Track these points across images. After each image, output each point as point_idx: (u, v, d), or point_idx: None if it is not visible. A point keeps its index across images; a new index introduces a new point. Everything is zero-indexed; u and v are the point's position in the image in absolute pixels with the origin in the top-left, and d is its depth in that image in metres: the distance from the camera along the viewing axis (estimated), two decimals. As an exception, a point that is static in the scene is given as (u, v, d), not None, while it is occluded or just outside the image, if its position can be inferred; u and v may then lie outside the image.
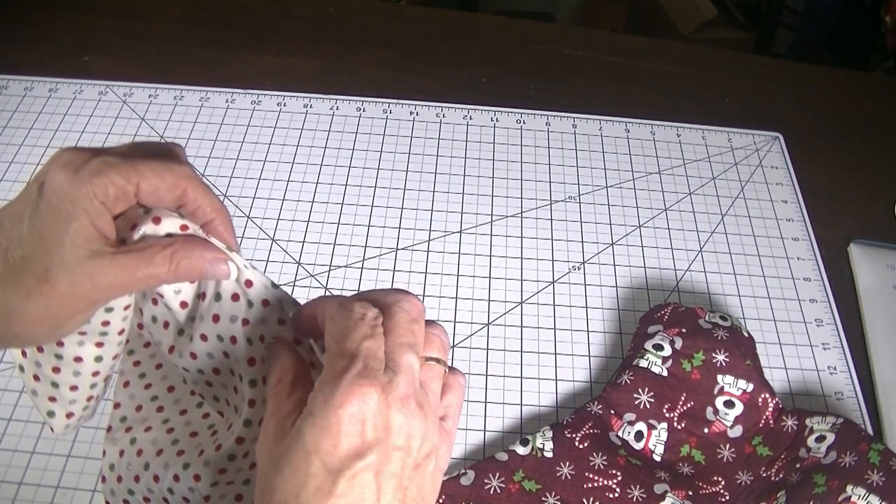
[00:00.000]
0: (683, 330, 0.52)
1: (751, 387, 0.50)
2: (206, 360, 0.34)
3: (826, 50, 1.70)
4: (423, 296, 0.58)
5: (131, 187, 0.30)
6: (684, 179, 0.69)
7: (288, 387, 0.31)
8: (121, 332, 0.34)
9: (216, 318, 0.33)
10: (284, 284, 0.58)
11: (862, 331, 0.59)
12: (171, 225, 0.32)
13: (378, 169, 0.67)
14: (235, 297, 0.33)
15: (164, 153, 0.32)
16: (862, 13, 1.62)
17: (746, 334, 0.53)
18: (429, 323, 0.33)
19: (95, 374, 0.35)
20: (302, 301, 0.34)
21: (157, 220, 0.31)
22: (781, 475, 0.47)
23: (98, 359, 0.34)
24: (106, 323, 0.33)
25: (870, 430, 0.53)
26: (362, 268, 0.60)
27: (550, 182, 0.68)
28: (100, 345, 0.34)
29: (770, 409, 0.50)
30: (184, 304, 0.33)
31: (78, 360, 0.34)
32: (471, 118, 0.73)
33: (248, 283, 0.33)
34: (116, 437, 0.38)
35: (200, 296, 0.33)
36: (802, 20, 1.71)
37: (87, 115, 0.69)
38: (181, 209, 0.32)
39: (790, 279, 0.62)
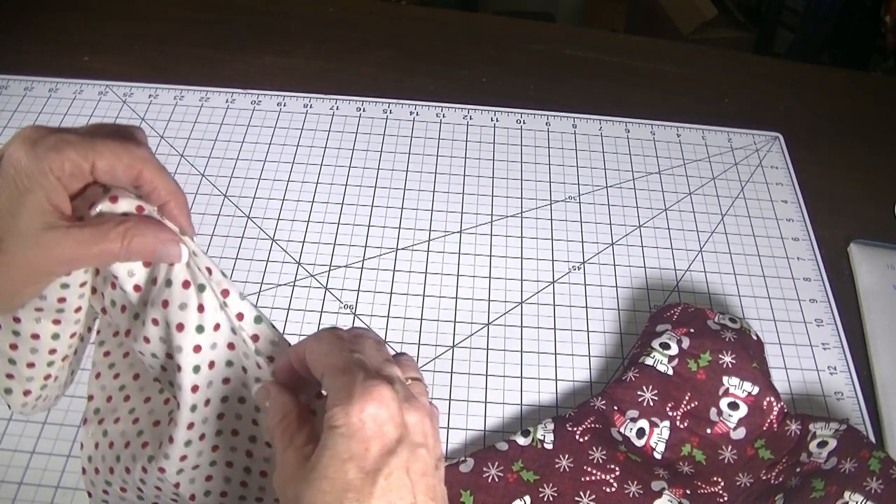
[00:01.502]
0: (691, 330, 0.52)
1: (756, 390, 0.50)
2: (159, 345, 0.34)
3: (826, 50, 1.70)
4: (423, 296, 0.58)
5: (87, 165, 0.31)
6: (684, 179, 0.69)
7: (296, 421, 0.31)
8: (77, 310, 0.34)
9: (165, 304, 0.33)
10: (284, 284, 0.58)
11: (862, 331, 0.59)
12: (127, 205, 0.32)
13: (378, 169, 0.67)
14: (186, 285, 0.33)
15: (124, 134, 0.33)
16: (862, 13, 1.62)
17: (755, 337, 0.53)
18: (398, 353, 0.35)
19: (52, 351, 0.35)
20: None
21: (114, 199, 0.32)
22: (781, 479, 0.47)
23: (55, 336, 0.35)
24: (62, 300, 0.33)
25: (870, 430, 0.53)
26: (362, 268, 0.60)
27: (550, 182, 0.68)
28: (56, 322, 0.34)
29: (774, 413, 0.50)
30: (137, 288, 0.33)
31: (35, 336, 0.34)
32: (471, 118, 0.73)
33: (225, 293, 0.33)
34: (91, 429, 0.38)
35: (153, 280, 0.33)
36: (802, 20, 1.70)
37: (87, 115, 0.69)
38: (137, 190, 0.33)
39: (790, 279, 0.62)
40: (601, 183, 0.68)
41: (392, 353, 0.34)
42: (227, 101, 0.72)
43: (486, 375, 0.54)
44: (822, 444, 0.47)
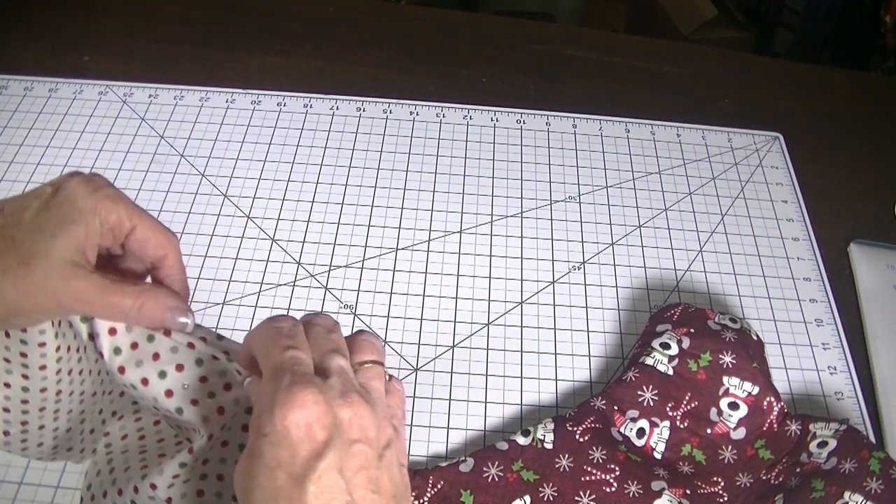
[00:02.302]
0: (692, 330, 0.52)
1: (756, 390, 0.50)
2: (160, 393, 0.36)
3: (826, 50, 1.70)
4: (423, 296, 0.58)
5: (129, 225, 0.33)
6: (684, 179, 0.69)
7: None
8: (42, 368, 0.35)
9: (122, 370, 0.35)
10: (284, 284, 0.58)
11: (862, 331, 0.59)
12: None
13: (378, 169, 0.67)
14: (134, 346, 0.35)
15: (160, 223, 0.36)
16: (862, 13, 1.62)
17: (755, 337, 0.53)
18: (358, 332, 0.35)
19: (24, 402, 0.36)
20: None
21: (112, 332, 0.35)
22: (781, 479, 0.47)
23: (24, 389, 0.35)
24: (23, 354, 0.34)
25: (870, 430, 0.53)
26: (362, 268, 0.60)
27: (550, 182, 0.68)
28: (24, 377, 0.35)
29: (774, 413, 0.50)
30: (134, 346, 0.35)
31: (7, 385, 0.35)
32: (471, 118, 0.73)
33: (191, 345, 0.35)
34: (98, 458, 0.40)
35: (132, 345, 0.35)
36: (802, 20, 1.71)
37: (87, 115, 0.69)
38: (155, 272, 0.35)
39: (790, 279, 0.62)
40: (601, 183, 0.68)
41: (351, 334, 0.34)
42: (227, 101, 0.72)
43: (486, 375, 0.54)
44: (823, 445, 0.47)
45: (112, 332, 0.34)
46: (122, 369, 0.34)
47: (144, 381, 0.34)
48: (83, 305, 0.32)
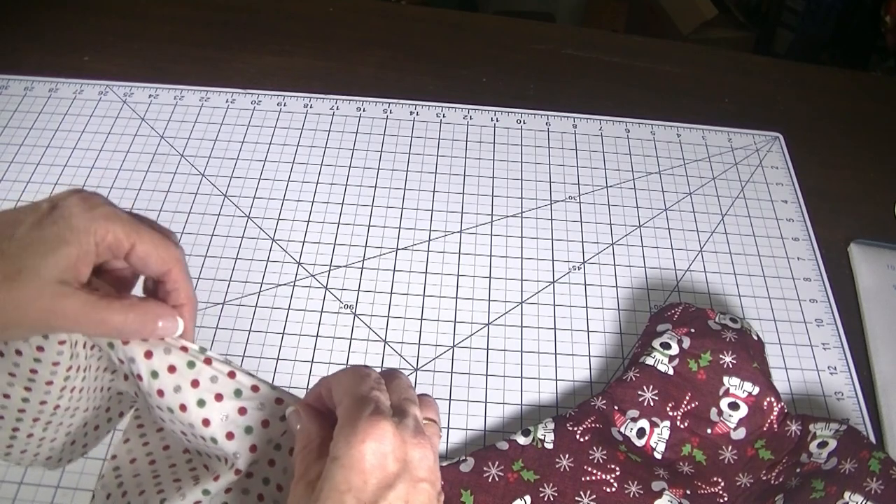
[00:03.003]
0: (692, 330, 0.52)
1: (756, 390, 0.50)
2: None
3: (826, 50, 1.70)
4: (424, 296, 0.58)
5: (127, 244, 0.33)
6: (684, 179, 0.69)
7: (315, 452, 0.32)
8: (49, 384, 0.35)
9: (161, 393, 0.35)
10: (284, 284, 0.58)
11: (862, 331, 0.59)
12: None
13: (378, 169, 0.67)
14: (172, 370, 0.35)
15: (164, 232, 0.35)
16: (862, 13, 1.63)
17: (756, 337, 0.53)
18: (424, 394, 0.36)
19: (21, 410, 0.36)
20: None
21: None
22: (781, 479, 0.47)
23: (24, 399, 0.36)
24: (34, 371, 0.34)
25: (870, 430, 0.53)
26: (362, 268, 0.60)
27: (550, 182, 0.68)
28: (27, 389, 0.35)
29: (775, 414, 0.50)
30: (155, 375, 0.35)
31: (6, 396, 0.35)
32: (471, 118, 0.73)
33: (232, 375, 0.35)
34: (106, 481, 0.40)
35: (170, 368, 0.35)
36: (802, 20, 1.71)
37: (87, 115, 0.69)
38: (160, 285, 0.35)
39: (790, 279, 0.62)
40: (601, 183, 0.68)
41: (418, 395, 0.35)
42: (227, 101, 0.72)
43: (486, 375, 0.54)
44: (822, 445, 0.47)
45: (148, 355, 0.34)
46: (160, 392, 0.34)
47: (183, 407, 0.34)
48: (71, 324, 0.32)
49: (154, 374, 0.34)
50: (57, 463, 0.41)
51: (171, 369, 0.34)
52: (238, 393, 0.35)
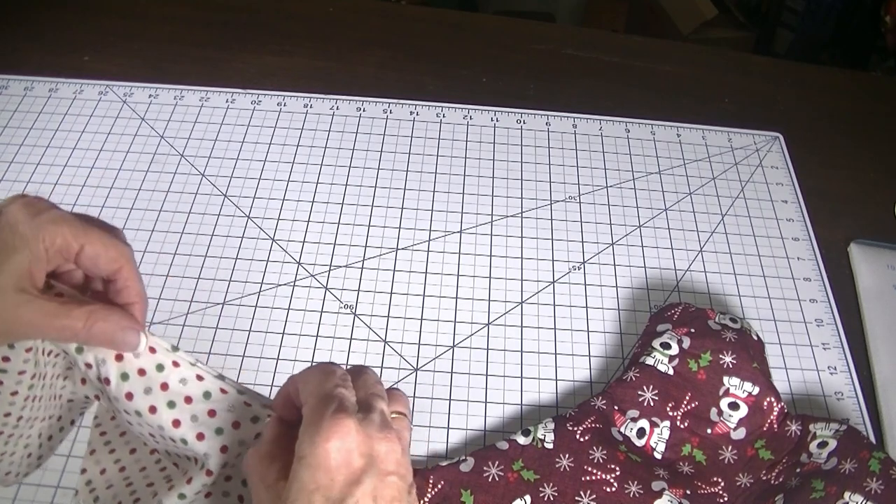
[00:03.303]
0: (692, 330, 0.52)
1: (756, 390, 0.50)
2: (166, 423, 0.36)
3: (826, 50, 1.70)
4: (424, 296, 0.58)
5: (76, 246, 0.33)
6: (684, 179, 0.69)
7: (266, 458, 0.32)
8: (14, 394, 0.35)
9: (129, 396, 0.35)
10: (284, 284, 0.58)
11: (862, 331, 0.59)
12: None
13: (378, 169, 0.67)
14: (142, 372, 0.35)
15: (111, 229, 0.35)
16: (862, 13, 1.63)
17: (756, 337, 0.53)
18: (392, 387, 0.37)
19: None
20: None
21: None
22: (781, 479, 0.47)
23: None
24: (2, 371, 0.34)
25: (870, 430, 0.53)
26: (362, 268, 0.60)
27: (550, 182, 0.68)
28: None
29: (775, 414, 0.50)
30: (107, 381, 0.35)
31: None
32: (471, 118, 0.73)
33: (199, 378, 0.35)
34: (82, 498, 0.40)
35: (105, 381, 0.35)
36: (802, 20, 1.71)
37: (87, 115, 0.69)
38: (111, 284, 0.35)
39: (790, 279, 0.62)
40: (601, 183, 0.68)
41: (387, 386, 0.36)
42: (227, 101, 0.72)
43: (486, 375, 0.54)
44: (822, 445, 0.47)
45: (119, 357, 0.34)
46: (129, 395, 0.34)
47: (152, 409, 0.34)
48: (33, 331, 0.32)
49: (124, 377, 0.34)
50: (14, 478, 0.40)
51: (141, 372, 0.34)
52: (207, 395, 0.35)
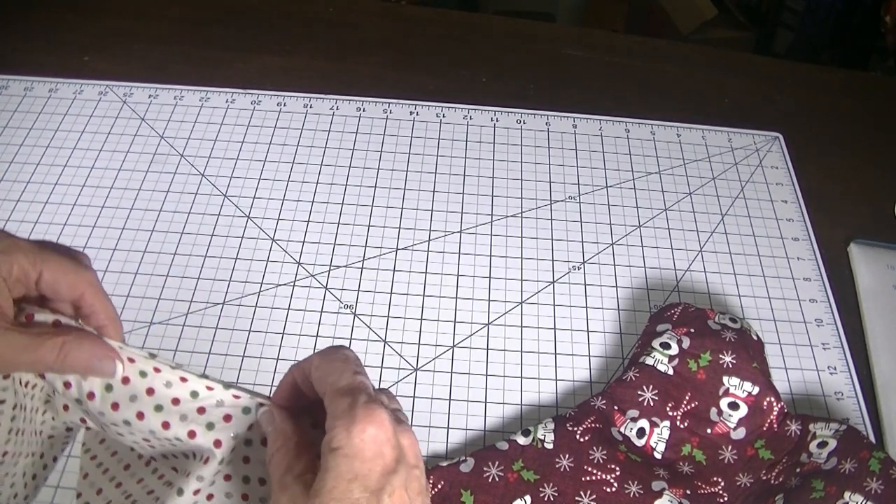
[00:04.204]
0: (692, 330, 0.52)
1: (756, 390, 0.50)
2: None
3: (826, 50, 1.70)
4: (423, 296, 0.58)
5: (34, 273, 0.32)
6: (684, 179, 0.69)
7: (294, 449, 0.32)
8: (1, 402, 0.34)
9: (115, 406, 0.34)
10: (284, 284, 0.58)
11: (862, 331, 0.59)
12: (44, 318, 0.33)
13: (378, 169, 0.67)
14: (125, 381, 0.34)
15: (72, 255, 0.34)
16: (862, 13, 1.63)
17: (755, 337, 0.53)
18: (379, 388, 0.36)
19: None
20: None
21: (29, 317, 0.33)
22: (781, 479, 0.47)
23: None
24: None
25: (870, 430, 0.53)
26: (362, 268, 0.60)
27: (550, 182, 0.68)
28: None
29: (774, 413, 0.50)
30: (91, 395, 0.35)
31: None
32: (471, 118, 0.73)
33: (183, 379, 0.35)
34: None
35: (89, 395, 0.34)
36: (802, 20, 1.71)
37: (87, 115, 0.69)
38: (78, 311, 0.34)
39: (790, 279, 0.62)
40: (601, 183, 0.68)
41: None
42: (227, 101, 0.72)
43: (486, 375, 0.54)
44: (822, 445, 0.47)
45: None
46: (115, 405, 0.34)
47: (140, 415, 0.34)
48: (4, 365, 0.31)
49: (108, 388, 0.34)
50: None
51: (125, 381, 0.34)
52: (195, 394, 0.35)
